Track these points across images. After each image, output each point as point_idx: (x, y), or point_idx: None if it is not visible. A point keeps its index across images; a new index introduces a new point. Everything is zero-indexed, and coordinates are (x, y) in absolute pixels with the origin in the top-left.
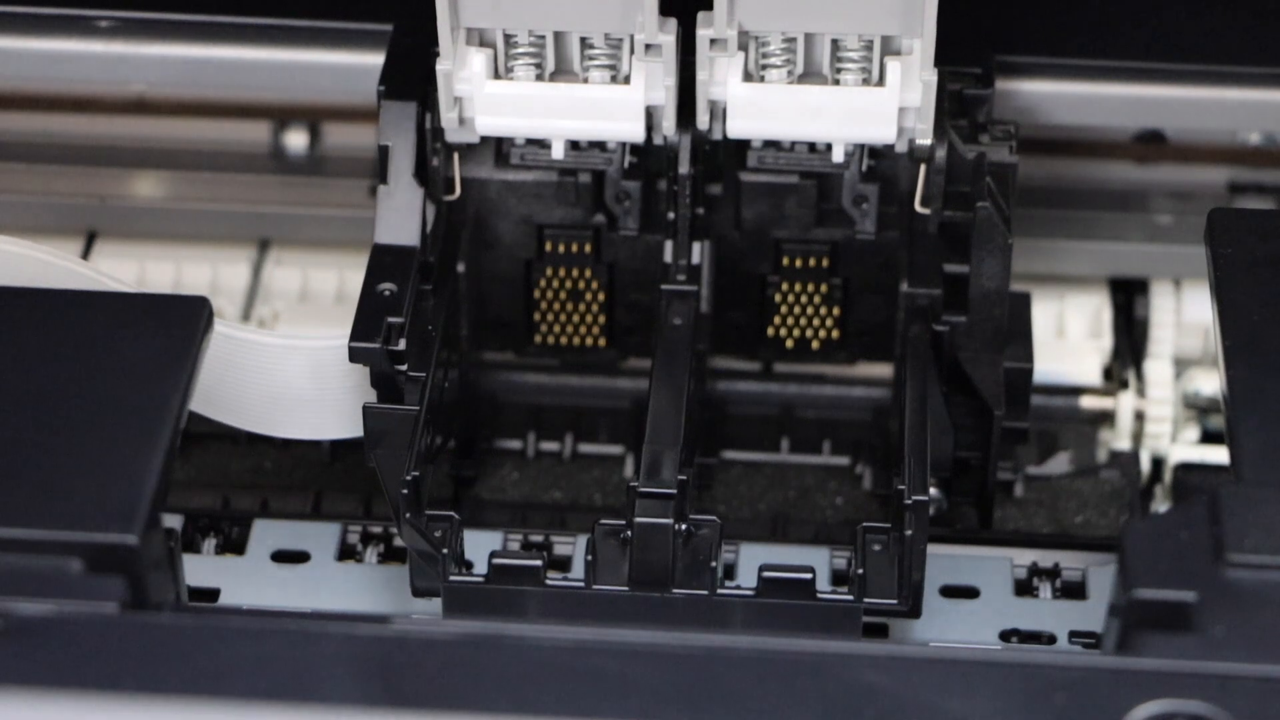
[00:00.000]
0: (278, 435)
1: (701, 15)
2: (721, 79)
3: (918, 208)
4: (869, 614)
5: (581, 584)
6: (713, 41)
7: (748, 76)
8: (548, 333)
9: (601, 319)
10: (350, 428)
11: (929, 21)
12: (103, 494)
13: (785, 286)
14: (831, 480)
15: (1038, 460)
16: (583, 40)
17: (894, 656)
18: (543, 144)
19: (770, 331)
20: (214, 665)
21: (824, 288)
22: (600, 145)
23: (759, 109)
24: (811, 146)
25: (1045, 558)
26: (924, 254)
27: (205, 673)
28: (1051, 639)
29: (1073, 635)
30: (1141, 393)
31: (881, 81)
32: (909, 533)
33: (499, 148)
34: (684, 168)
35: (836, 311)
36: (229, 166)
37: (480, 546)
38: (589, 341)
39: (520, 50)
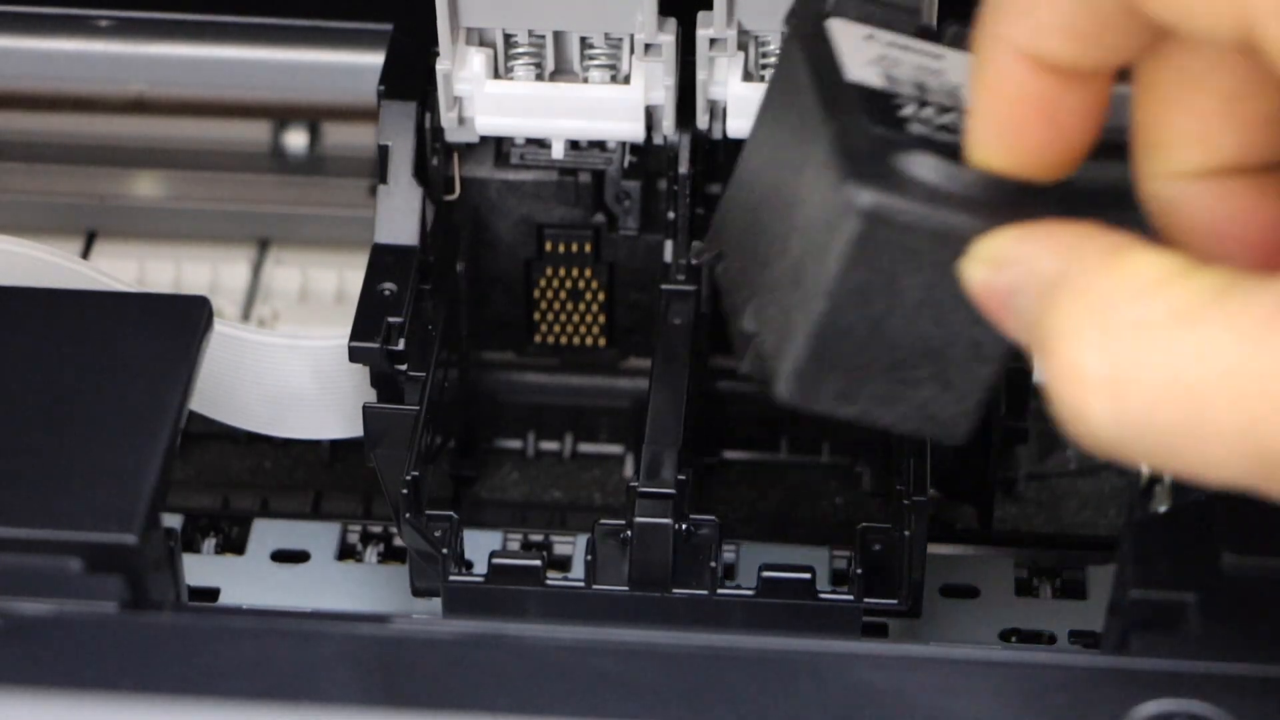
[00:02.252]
0: (278, 435)
1: (701, 15)
2: (721, 78)
3: None
4: (869, 614)
5: (581, 584)
6: (712, 41)
7: (748, 76)
8: (548, 332)
9: (601, 319)
10: (350, 427)
11: (929, 22)
12: (103, 494)
13: None
14: (831, 480)
15: (1038, 460)
16: (583, 40)
17: (894, 656)
18: (543, 144)
19: None
20: (214, 665)
21: None
22: (600, 145)
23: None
24: None
25: (1045, 557)
26: None
27: (205, 673)
28: (1051, 639)
29: (1073, 635)
30: None
31: None
32: (909, 533)
33: (499, 147)
34: (684, 167)
35: None
36: (229, 166)
37: (480, 546)
38: (589, 341)
39: (520, 50)
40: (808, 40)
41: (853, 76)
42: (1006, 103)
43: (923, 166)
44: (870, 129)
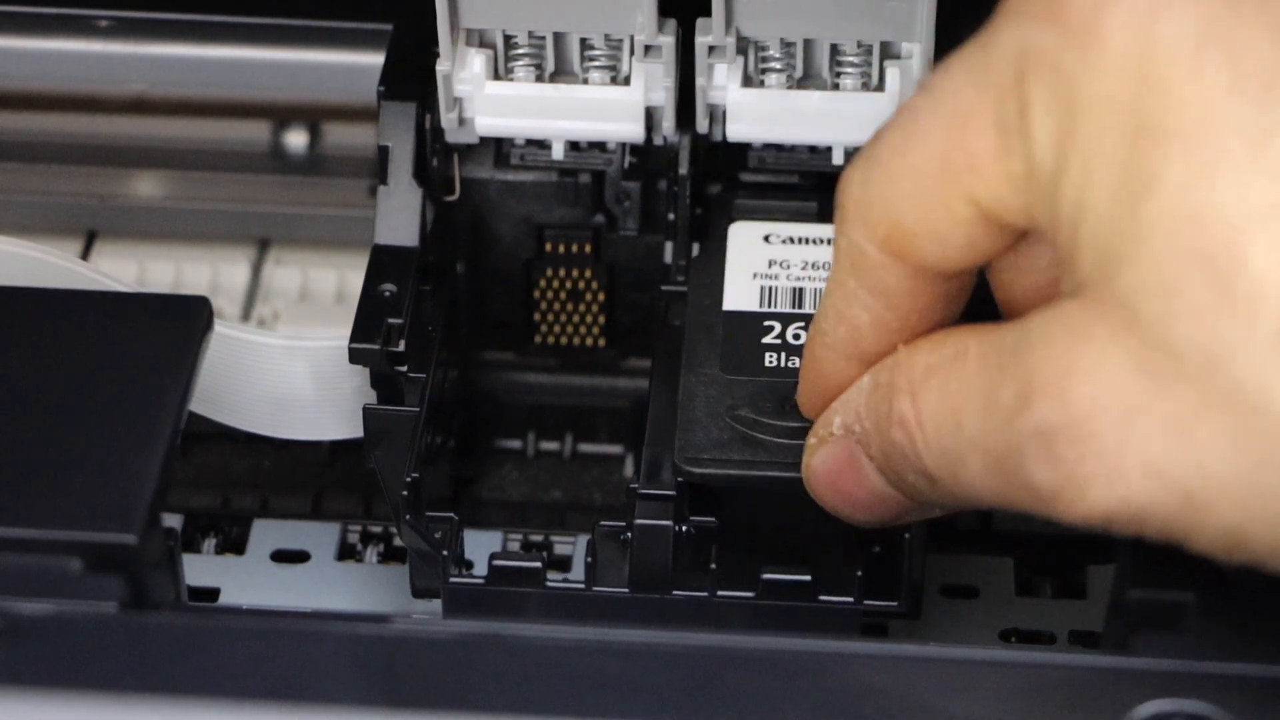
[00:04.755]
0: (278, 436)
1: (700, 22)
2: (721, 84)
3: None
4: (869, 615)
5: (581, 585)
6: (711, 49)
7: (747, 80)
8: (547, 333)
9: (601, 319)
10: (350, 428)
11: (928, 27)
12: (103, 494)
13: None
14: None
15: None
16: (582, 41)
17: (894, 656)
18: (543, 144)
19: None
20: (214, 665)
21: None
22: (600, 146)
23: (758, 113)
24: (811, 148)
25: (1045, 557)
26: None
27: (205, 673)
28: (1051, 639)
29: (1073, 635)
30: None
31: (881, 86)
32: (909, 534)
33: (499, 148)
34: (684, 168)
35: None
36: (229, 166)
37: (480, 546)
38: (589, 341)
39: (520, 51)
40: (706, 258)
41: (729, 305)
42: (834, 395)
43: (752, 426)
44: (713, 403)
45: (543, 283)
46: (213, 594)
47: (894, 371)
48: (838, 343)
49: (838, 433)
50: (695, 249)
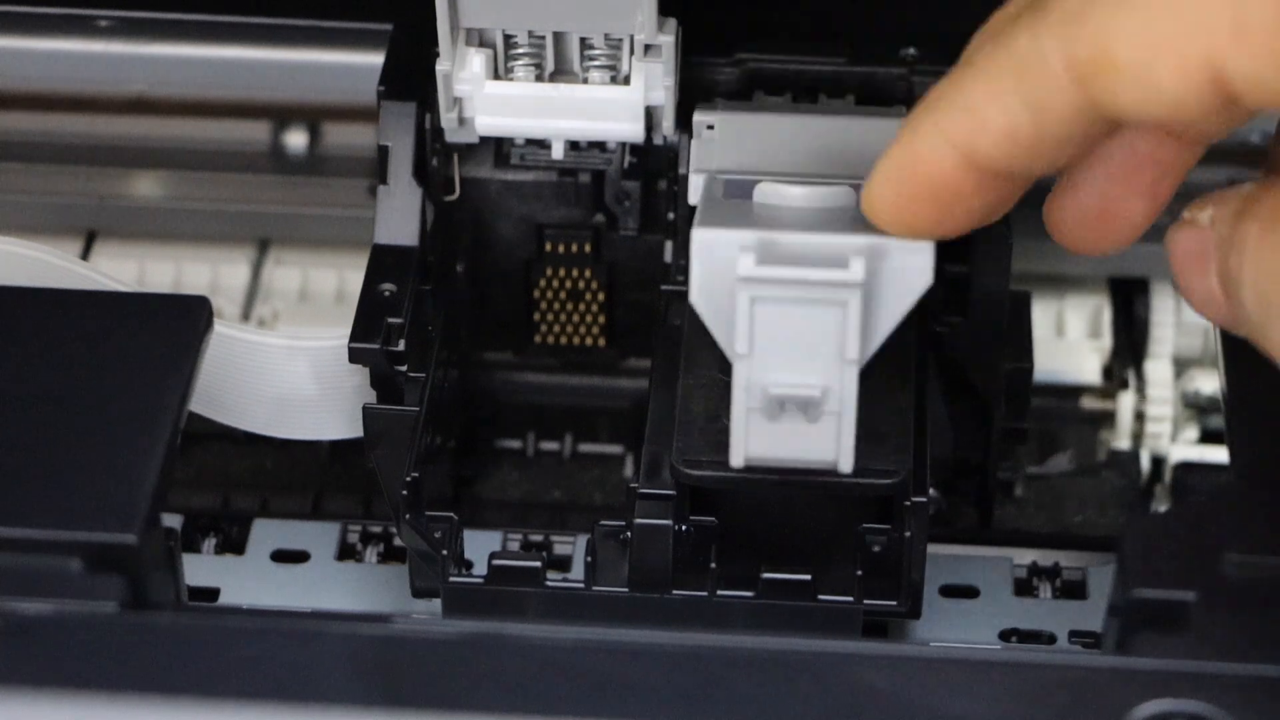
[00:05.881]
0: (278, 436)
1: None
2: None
3: None
4: (869, 615)
5: (581, 585)
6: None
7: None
8: (547, 333)
9: (601, 319)
10: (351, 428)
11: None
12: (103, 494)
13: None
14: None
15: (1038, 460)
16: (582, 40)
17: (894, 656)
18: (542, 144)
19: None
20: (214, 665)
21: None
22: (600, 145)
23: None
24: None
25: (1045, 557)
26: None
27: (205, 673)
28: (1051, 639)
29: (1073, 635)
30: (1141, 393)
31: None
32: (909, 533)
33: (499, 148)
34: (684, 168)
35: None
36: (229, 166)
37: (480, 546)
38: (589, 341)
39: (520, 50)
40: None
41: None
42: (913, 183)
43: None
44: (711, 405)
45: (543, 282)
46: (213, 594)
47: (1256, 200)
48: (954, 130)
49: (1203, 224)
50: None
